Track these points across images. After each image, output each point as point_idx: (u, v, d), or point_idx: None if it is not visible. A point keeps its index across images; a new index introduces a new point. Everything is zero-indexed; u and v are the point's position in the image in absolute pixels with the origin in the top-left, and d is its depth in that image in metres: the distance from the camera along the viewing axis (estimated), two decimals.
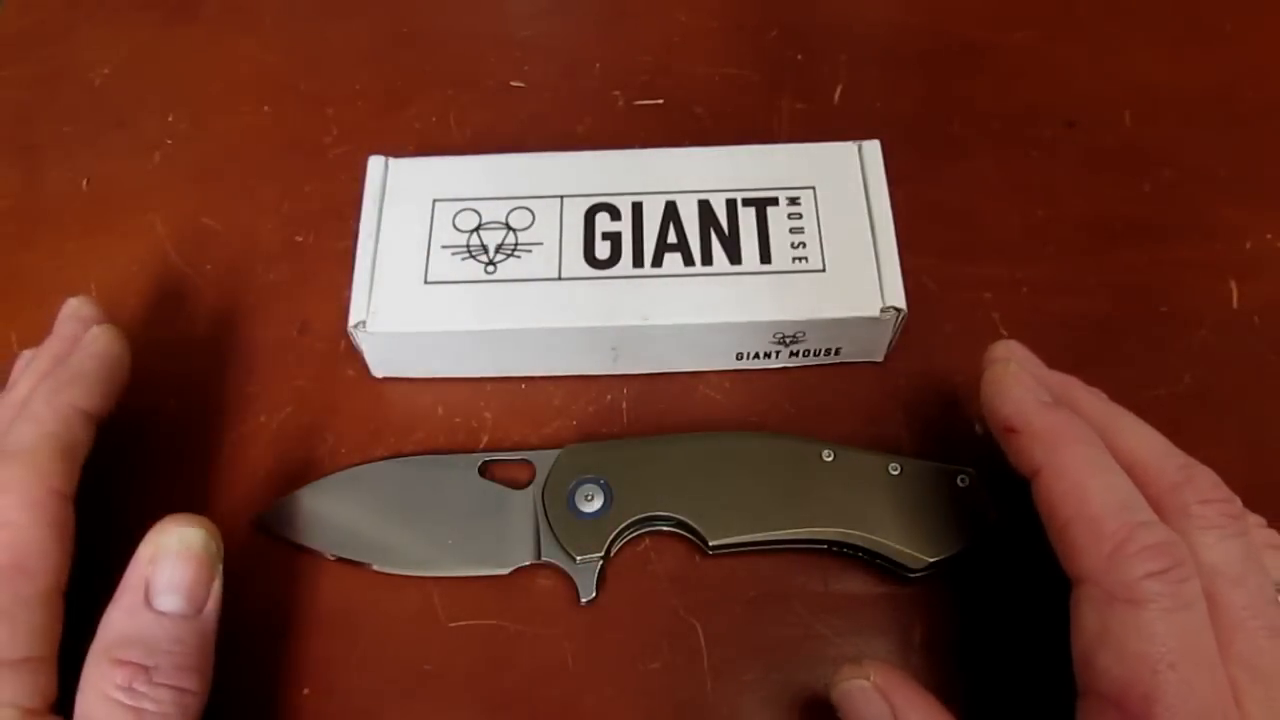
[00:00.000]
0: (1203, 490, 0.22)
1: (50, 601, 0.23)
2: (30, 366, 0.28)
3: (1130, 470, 0.23)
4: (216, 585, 0.23)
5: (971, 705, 0.23)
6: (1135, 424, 0.24)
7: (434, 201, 0.32)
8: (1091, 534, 0.21)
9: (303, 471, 0.30)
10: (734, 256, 0.30)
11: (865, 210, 0.31)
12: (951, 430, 0.30)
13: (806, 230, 0.30)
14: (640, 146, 0.33)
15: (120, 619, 0.22)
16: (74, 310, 0.29)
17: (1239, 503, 0.22)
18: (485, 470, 0.30)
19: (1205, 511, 0.22)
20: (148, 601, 0.22)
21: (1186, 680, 0.19)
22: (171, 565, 0.23)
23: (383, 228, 0.31)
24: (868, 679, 0.23)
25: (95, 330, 0.28)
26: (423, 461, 0.30)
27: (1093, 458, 0.23)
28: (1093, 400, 0.25)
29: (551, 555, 0.28)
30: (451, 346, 0.31)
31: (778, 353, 0.31)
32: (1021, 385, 0.25)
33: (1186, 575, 0.20)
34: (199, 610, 0.23)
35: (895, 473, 0.28)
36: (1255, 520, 0.23)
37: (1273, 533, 0.23)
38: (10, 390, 0.27)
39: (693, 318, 0.29)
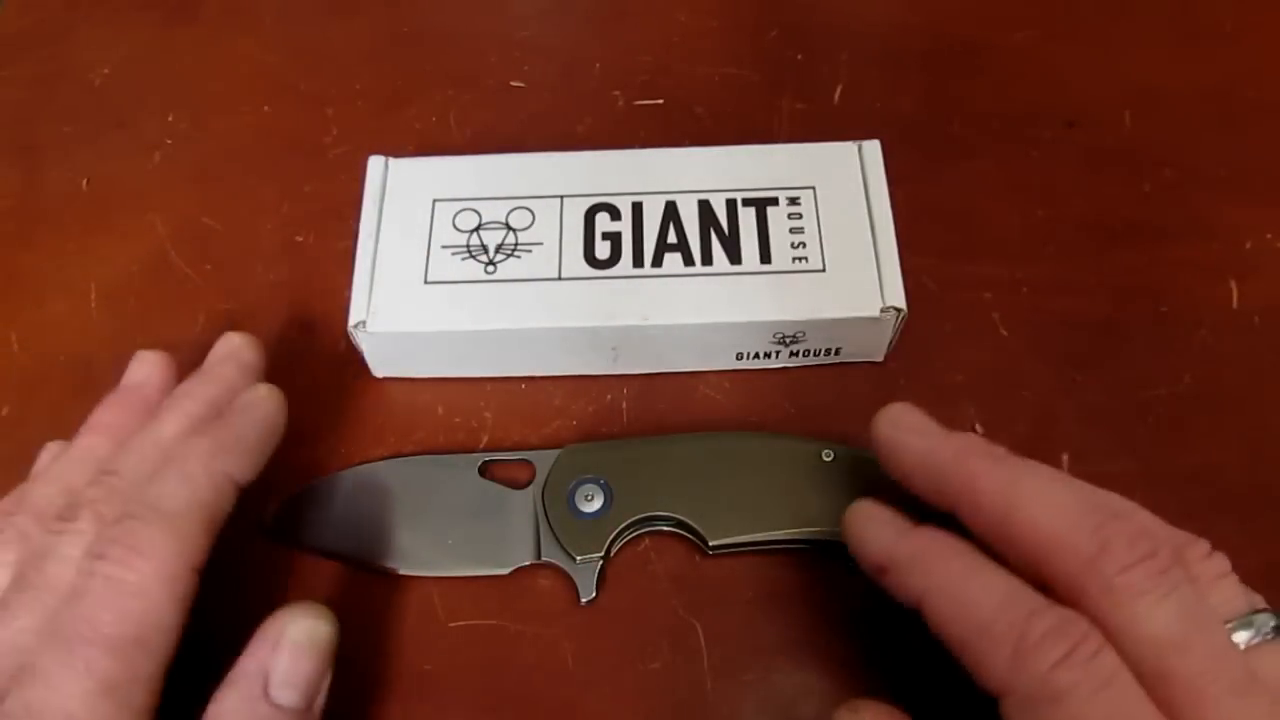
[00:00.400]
0: (1120, 557, 0.20)
1: (159, 682, 0.21)
2: (179, 406, 0.25)
3: (1040, 549, 0.21)
4: (328, 679, 0.23)
5: (971, 706, 0.23)
6: (1039, 488, 0.22)
7: (434, 201, 0.32)
8: (988, 643, 0.20)
9: (303, 471, 0.30)
10: (734, 256, 0.30)
11: (865, 210, 0.31)
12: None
13: (806, 230, 0.30)
14: (640, 146, 0.33)
15: (237, 707, 0.21)
16: (234, 350, 0.27)
17: (1166, 548, 0.20)
18: (485, 470, 0.30)
19: (1129, 580, 0.20)
20: (266, 693, 0.22)
21: None
22: (294, 658, 0.22)
23: (383, 228, 0.31)
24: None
25: (263, 393, 0.26)
26: (423, 461, 0.30)
27: (963, 567, 0.22)
28: (991, 468, 0.22)
29: (551, 555, 0.28)
30: (451, 346, 0.31)
31: (778, 353, 0.31)
32: (875, 524, 0.24)
33: (1095, 649, 0.19)
34: (311, 705, 0.22)
35: None
36: (1199, 551, 0.21)
37: (1219, 560, 0.21)
38: (155, 425, 0.25)
39: (693, 318, 0.29)
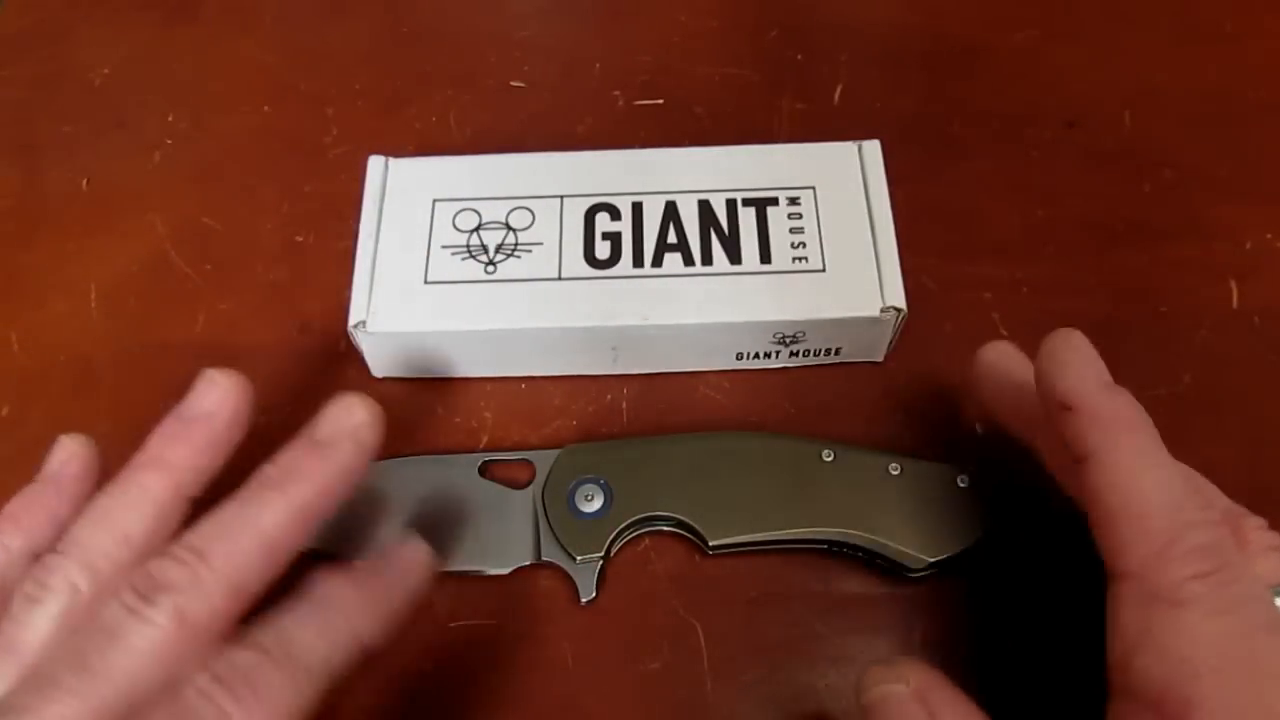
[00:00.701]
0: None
1: None
2: (287, 489, 0.22)
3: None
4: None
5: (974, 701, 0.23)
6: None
7: (434, 201, 0.32)
8: (1138, 530, 0.20)
9: None
10: (734, 256, 0.30)
11: (865, 210, 0.31)
12: (951, 430, 0.30)
13: (806, 230, 0.30)
14: (640, 146, 0.33)
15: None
16: (355, 428, 0.24)
17: (1220, 509, 0.22)
18: (485, 470, 0.30)
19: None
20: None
21: (1229, 686, 0.19)
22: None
23: (383, 228, 0.31)
24: (905, 684, 0.21)
25: (424, 557, 0.24)
26: (423, 461, 0.30)
27: (1148, 449, 0.21)
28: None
29: (551, 555, 0.28)
30: (451, 346, 0.31)
31: (778, 353, 0.31)
32: (1081, 358, 0.23)
33: (1233, 578, 0.19)
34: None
35: (895, 473, 0.28)
36: (1255, 523, 0.22)
37: (1273, 535, 0.22)
38: (254, 506, 0.22)
39: (693, 318, 0.29)
